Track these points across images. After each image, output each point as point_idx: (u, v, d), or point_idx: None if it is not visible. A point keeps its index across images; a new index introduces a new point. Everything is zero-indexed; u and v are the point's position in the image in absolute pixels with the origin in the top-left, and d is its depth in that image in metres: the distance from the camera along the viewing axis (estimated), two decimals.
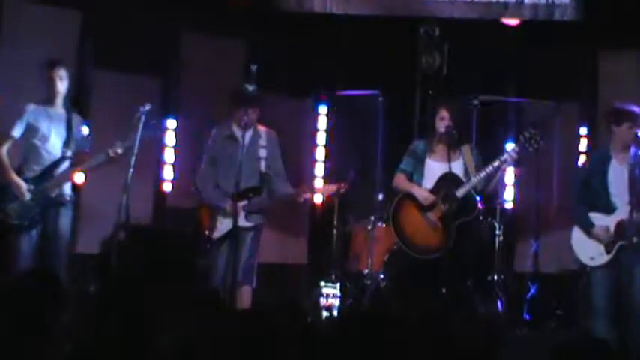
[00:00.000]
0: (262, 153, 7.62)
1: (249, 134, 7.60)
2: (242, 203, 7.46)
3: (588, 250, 6.87)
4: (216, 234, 7.52)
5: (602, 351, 3.28)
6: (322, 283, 8.48)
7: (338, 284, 8.46)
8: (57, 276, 4.00)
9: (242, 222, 7.48)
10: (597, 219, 6.86)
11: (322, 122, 10.02)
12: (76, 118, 7.40)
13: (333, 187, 7.90)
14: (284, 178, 7.69)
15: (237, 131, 7.58)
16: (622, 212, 6.78)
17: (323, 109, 10.00)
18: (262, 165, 7.59)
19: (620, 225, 6.77)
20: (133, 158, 7.00)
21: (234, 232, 7.39)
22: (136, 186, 7.37)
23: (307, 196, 7.81)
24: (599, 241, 6.81)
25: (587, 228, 6.84)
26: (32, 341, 3.54)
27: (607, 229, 6.79)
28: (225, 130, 7.67)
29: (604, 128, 7.17)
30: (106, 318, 3.52)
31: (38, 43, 8.35)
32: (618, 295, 6.78)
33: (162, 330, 3.64)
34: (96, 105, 8.83)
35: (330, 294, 8.44)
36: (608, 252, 6.79)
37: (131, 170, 6.97)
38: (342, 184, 7.89)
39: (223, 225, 7.50)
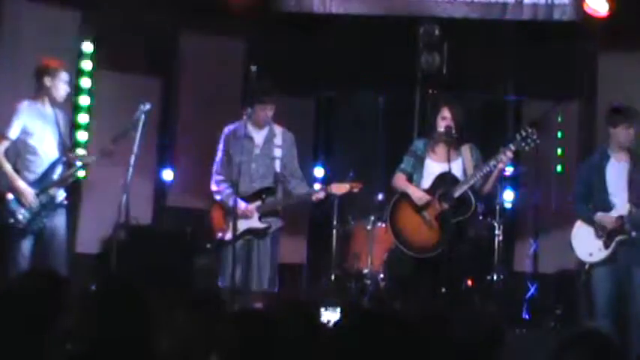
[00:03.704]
0: (277, 152, 7.53)
1: (263, 133, 7.55)
2: (255, 204, 7.44)
3: (587, 247, 6.87)
4: (228, 235, 7.35)
5: (606, 347, 3.27)
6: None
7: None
8: (58, 276, 4.00)
9: (255, 223, 7.42)
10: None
11: (321, 122, 10.02)
12: (61, 115, 7.29)
13: (345, 186, 7.59)
14: (301, 178, 7.60)
15: (251, 130, 7.52)
16: (620, 210, 6.79)
17: (322, 110, 10.00)
18: (277, 165, 7.52)
19: (619, 220, 6.78)
20: (133, 158, 6.98)
21: (246, 234, 7.34)
22: (136, 186, 7.36)
23: (321, 195, 7.57)
24: (604, 227, 6.80)
25: (591, 217, 6.85)
26: (33, 341, 3.54)
27: (612, 217, 6.80)
28: (239, 129, 7.48)
29: (604, 128, 7.18)
30: (106, 318, 3.52)
31: (38, 43, 8.35)
32: (619, 295, 6.78)
33: (162, 330, 3.65)
34: (96, 105, 8.82)
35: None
36: (606, 247, 6.79)
37: (131, 170, 6.95)
38: (356, 184, 7.61)
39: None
